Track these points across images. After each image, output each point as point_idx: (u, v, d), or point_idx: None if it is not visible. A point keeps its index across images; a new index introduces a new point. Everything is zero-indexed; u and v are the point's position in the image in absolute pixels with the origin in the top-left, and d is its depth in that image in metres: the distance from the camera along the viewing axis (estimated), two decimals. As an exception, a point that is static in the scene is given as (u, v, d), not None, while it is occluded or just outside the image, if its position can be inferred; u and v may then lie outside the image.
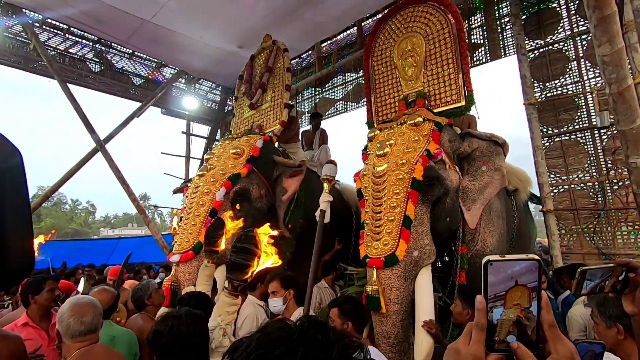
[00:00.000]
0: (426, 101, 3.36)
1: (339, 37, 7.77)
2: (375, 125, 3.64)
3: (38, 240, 6.50)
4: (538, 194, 4.61)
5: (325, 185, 2.98)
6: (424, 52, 3.51)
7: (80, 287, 3.30)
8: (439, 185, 2.70)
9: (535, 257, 0.57)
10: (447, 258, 2.92)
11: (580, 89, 4.68)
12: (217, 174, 3.30)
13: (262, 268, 1.66)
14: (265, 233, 1.74)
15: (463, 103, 3.24)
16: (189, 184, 3.67)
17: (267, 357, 0.53)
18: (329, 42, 7.91)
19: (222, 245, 2.14)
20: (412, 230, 2.53)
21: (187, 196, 3.35)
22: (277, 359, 0.53)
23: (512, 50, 5.32)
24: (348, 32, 7.57)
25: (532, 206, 4.79)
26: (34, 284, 2.43)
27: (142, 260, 8.48)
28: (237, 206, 3.29)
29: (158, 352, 1.40)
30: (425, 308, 2.40)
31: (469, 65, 3.36)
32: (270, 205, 3.56)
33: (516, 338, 0.58)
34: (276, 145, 4.27)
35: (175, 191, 4.46)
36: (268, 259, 1.66)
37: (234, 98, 5.14)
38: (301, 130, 5.48)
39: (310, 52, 8.10)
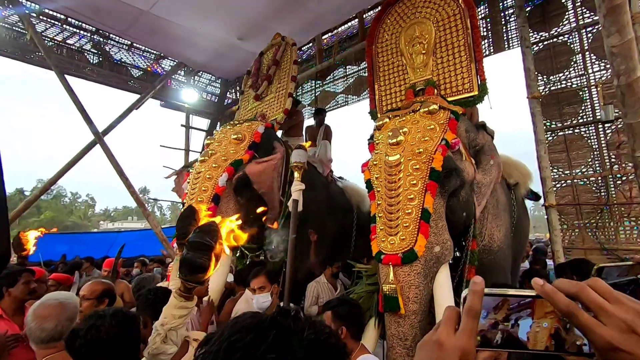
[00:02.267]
0: (436, 90, 3.21)
1: (340, 29, 7.68)
2: (379, 114, 3.49)
3: (35, 234, 6.46)
4: (537, 189, 4.56)
5: (296, 174, 2.85)
6: (433, 38, 3.34)
7: (76, 280, 3.29)
8: (456, 177, 2.54)
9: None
10: (457, 254, 2.82)
11: (585, 83, 4.61)
12: (219, 160, 3.25)
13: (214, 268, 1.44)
14: (230, 224, 1.54)
15: (476, 92, 3.10)
16: (189, 169, 3.62)
17: (239, 343, 0.54)
18: (329, 34, 7.82)
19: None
20: (432, 224, 2.36)
21: (189, 182, 3.30)
22: (249, 344, 0.53)
23: (516, 43, 5.24)
24: (349, 24, 7.47)
25: (530, 202, 4.74)
26: (9, 276, 2.32)
27: (142, 253, 8.46)
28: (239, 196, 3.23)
29: (73, 353, 1.25)
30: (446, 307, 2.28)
31: (482, 53, 3.22)
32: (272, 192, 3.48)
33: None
34: (279, 133, 4.22)
35: (169, 176, 4.39)
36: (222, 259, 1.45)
37: (240, 92, 5.11)
38: (305, 125, 5.42)
39: (311, 44, 8.01)
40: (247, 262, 3.93)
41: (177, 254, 2.25)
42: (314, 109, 8.16)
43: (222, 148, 3.39)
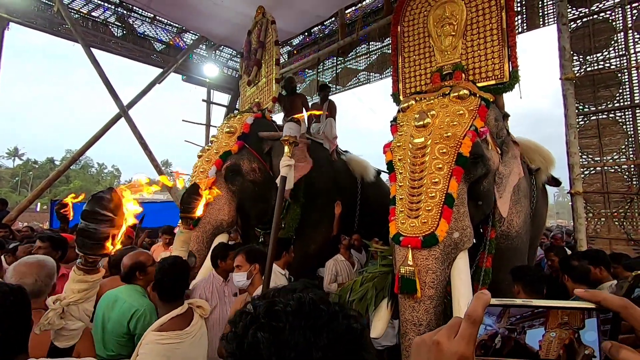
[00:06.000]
0: (464, 74, 3.06)
1: (364, 3, 7.41)
2: (402, 98, 3.40)
3: (70, 201, 6.79)
4: (564, 176, 4.39)
5: (286, 148, 2.71)
6: (464, 20, 3.14)
7: None
8: (482, 164, 2.49)
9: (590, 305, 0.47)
10: (474, 241, 2.82)
11: (625, 63, 4.32)
12: (211, 154, 3.56)
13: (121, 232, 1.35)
14: (135, 189, 1.45)
15: (506, 79, 2.94)
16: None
17: (292, 344, 0.53)
18: (353, 8, 7.55)
19: (199, 211, 2.25)
20: (454, 209, 2.32)
21: (191, 176, 3.59)
22: (305, 346, 0.53)
23: (552, 20, 4.93)
24: (374, -3, 7.20)
25: (555, 189, 4.59)
26: None
27: (165, 224, 8.75)
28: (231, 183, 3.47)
29: None
30: (464, 293, 2.23)
31: (516, 37, 3.02)
32: (266, 177, 3.68)
33: None
34: (276, 120, 4.37)
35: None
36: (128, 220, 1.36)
37: (239, 76, 5.16)
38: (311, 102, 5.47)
39: (333, 19, 7.77)
40: (261, 240, 4.06)
41: (180, 226, 2.34)
42: (335, 86, 8.07)
43: (217, 142, 3.68)
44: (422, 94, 3.02)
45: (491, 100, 2.75)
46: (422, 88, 3.33)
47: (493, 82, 2.98)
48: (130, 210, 1.39)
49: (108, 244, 1.29)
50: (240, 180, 3.50)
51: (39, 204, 24.99)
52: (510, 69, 2.93)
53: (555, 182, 4.00)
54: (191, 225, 3.11)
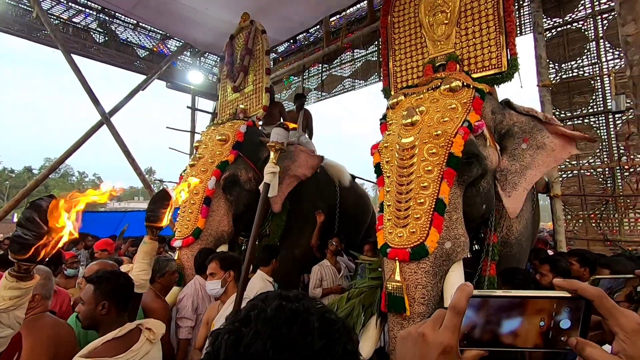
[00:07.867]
0: (458, 65, 2.83)
1: (348, 11, 7.53)
2: (393, 92, 3.13)
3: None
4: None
5: (272, 154, 2.57)
6: (457, 7, 2.92)
7: (82, 258, 3.40)
8: (477, 164, 2.23)
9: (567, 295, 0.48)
10: (477, 247, 2.57)
11: (598, 71, 4.52)
12: (206, 163, 3.46)
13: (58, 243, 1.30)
14: (74, 200, 1.39)
15: (504, 68, 2.70)
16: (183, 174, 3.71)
17: (287, 338, 0.54)
18: (338, 16, 7.67)
19: (166, 220, 2.08)
20: (445, 217, 2.08)
21: (182, 185, 3.45)
22: (298, 338, 0.55)
23: (529, 29, 5.12)
24: (358, 6, 7.32)
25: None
26: None
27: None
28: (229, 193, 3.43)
29: None
30: None
31: (515, 23, 2.79)
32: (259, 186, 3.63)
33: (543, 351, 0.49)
34: (261, 127, 4.36)
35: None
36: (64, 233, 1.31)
37: (217, 79, 5.10)
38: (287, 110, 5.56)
39: (318, 27, 7.87)
40: (243, 248, 4.05)
41: (147, 237, 2.17)
42: (320, 93, 8.14)
43: (208, 151, 3.55)
44: (413, 88, 2.80)
45: (487, 91, 2.52)
46: (413, 81, 3.10)
47: (490, 71, 2.78)
48: (70, 220, 1.34)
49: (35, 251, 1.25)
50: (238, 190, 3.47)
51: (15, 215, 24.12)
52: (509, 57, 2.72)
53: (547, 189, 4.08)
54: (176, 241, 3.11)
